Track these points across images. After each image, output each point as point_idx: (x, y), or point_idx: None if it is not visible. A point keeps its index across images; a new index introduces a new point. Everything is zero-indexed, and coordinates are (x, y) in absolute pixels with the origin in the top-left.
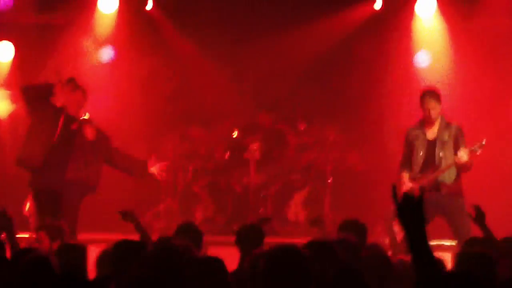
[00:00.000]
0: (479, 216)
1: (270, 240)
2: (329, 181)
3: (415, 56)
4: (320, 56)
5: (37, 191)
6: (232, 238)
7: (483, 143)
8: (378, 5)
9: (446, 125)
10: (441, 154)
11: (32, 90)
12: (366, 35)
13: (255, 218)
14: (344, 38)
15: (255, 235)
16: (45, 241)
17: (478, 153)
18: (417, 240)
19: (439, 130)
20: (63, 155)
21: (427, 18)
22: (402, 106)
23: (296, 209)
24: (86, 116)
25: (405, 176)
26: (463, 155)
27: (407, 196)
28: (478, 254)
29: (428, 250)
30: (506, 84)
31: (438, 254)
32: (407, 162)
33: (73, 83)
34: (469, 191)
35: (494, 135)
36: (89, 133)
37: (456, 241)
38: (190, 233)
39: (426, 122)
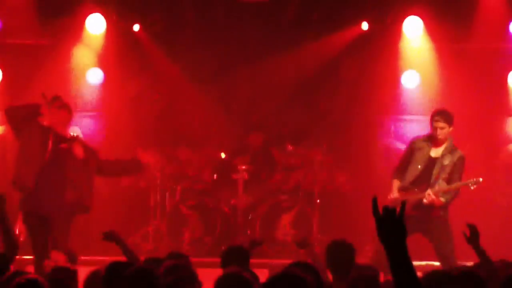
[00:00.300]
0: (473, 236)
1: (259, 261)
2: (317, 201)
3: (403, 76)
4: (308, 77)
5: (27, 213)
6: (219, 259)
7: (480, 180)
8: (365, 26)
9: (452, 150)
10: (437, 176)
11: (17, 111)
12: (353, 56)
13: (247, 242)
14: (332, 59)
15: (240, 257)
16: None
17: (472, 188)
18: (397, 255)
19: (443, 151)
20: (55, 175)
21: (414, 39)
22: (390, 126)
23: (284, 230)
24: (75, 133)
25: (396, 183)
26: (426, 195)
27: (388, 209)
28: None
29: (409, 267)
30: (490, 104)
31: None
32: (402, 171)
33: (59, 101)
34: (456, 210)
35: (480, 154)
36: (79, 151)
37: (439, 262)
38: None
39: (433, 139)
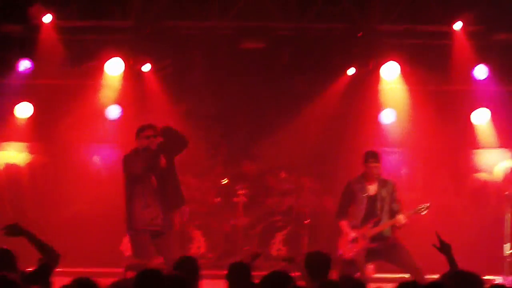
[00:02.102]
0: (445, 247)
1: (255, 274)
2: (306, 222)
3: (381, 114)
4: (300, 114)
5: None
6: (222, 272)
7: (428, 205)
8: (351, 71)
9: (384, 182)
10: (381, 209)
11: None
12: (339, 96)
13: (247, 255)
14: (320, 99)
15: (243, 272)
16: None
17: (423, 214)
18: None
19: (378, 186)
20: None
21: (392, 81)
22: None
23: (278, 247)
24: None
25: (345, 224)
26: (402, 219)
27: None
28: None
29: None
30: (457, 139)
31: None
32: (345, 212)
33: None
34: (426, 231)
35: (449, 182)
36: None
37: (409, 274)
38: (188, 266)
39: (367, 178)
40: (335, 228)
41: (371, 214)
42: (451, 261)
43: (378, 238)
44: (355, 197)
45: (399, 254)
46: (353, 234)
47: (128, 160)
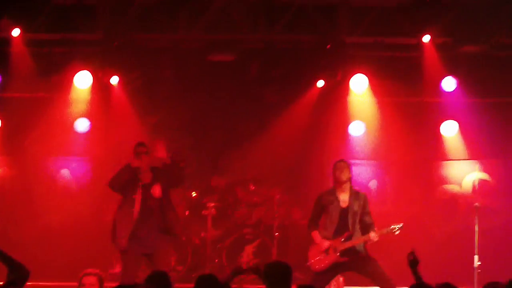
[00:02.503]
0: (413, 262)
1: None
2: (276, 234)
3: (350, 126)
4: (268, 126)
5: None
6: (191, 285)
7: (401, 225)
8: (320, 83)
9: (355, 194)
10: (353, 224)
11: (118, 180)
12: (308, 108)
13: (220, 271)
14: (289, 111)
15: (211, 284)
16: None
17: (396, 233)
18: None
19: (350, 198)
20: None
21: (361, 93)
22: None
23: (247, 259)
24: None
25: (317, 234)
26: (374, 237)
27: None
28: None
29: None
30: (426, 150)
31: None
32: (316, 222)
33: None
34: (396, 242)
35: (419, 193)
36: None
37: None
38: (160, 280)
39: (337, 187)
40: (304, 240)
41: (342, 227)
42: (416, 276)
43: (349, 252)
44: (326, 209)
45: (370, 266)
46: (326, 244)
47: (117, 174)
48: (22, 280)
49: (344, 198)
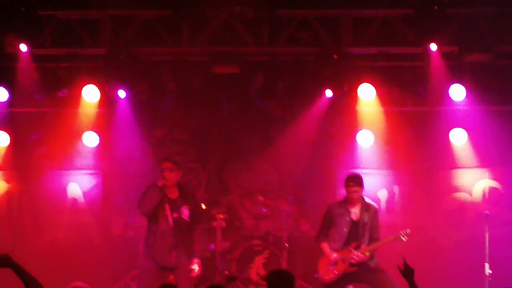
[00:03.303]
0: (408, 271)
1: None
2: (287, 246)
3: (358, 135)
4: (275, 138)
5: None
6: None
7: (409, 231)
8: (329, 93)
9: (366, 207)
10: (362, 235)
11: (146, 203)
12: (315, 119)
13: (223, 278)
14: (296, 122)
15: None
16: None
17: (404, 240)
18: None
19: (361, 211)
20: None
21: (368, 103)
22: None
23: (257, 270)
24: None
25: (326, 246)
26: (353, 258)
27: None
28: None
29: None
30: (435, 159)
31: None
32: (325, 235)
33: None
34: (401, 251)
35: (426, 204)
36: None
37: None
38: None
39: (349, 202)
40: (313, 251)
41: (352, 239)
42: (412, 284)
43: (358, 263)
44: (335, 222)
45: (379, 278)
46: (335, 255)
47: (145, 196)
48: None
49: (355, 210)
